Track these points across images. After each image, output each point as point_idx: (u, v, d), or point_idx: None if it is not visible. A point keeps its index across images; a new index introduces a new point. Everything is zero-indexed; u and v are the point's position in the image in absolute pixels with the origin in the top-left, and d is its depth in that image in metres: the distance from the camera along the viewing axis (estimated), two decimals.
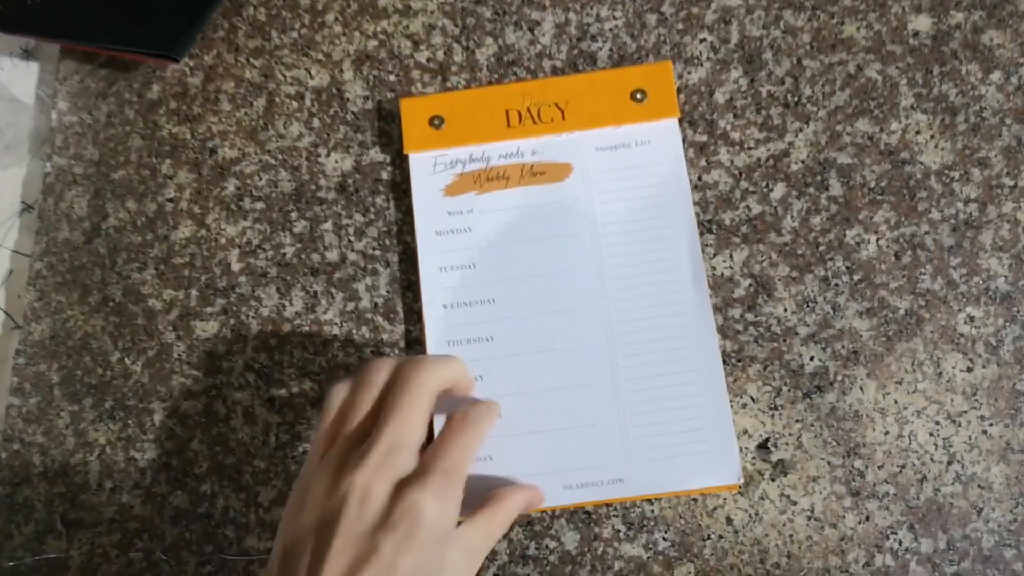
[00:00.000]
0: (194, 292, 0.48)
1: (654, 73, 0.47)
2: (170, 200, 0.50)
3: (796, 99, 0.48)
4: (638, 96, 0.47)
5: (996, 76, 0.48)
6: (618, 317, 0.45)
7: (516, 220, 0.46)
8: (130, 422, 0.47)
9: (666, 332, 0.44)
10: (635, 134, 0.47)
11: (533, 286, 0.45)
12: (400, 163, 0.49)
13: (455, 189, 0.47)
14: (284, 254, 0.49)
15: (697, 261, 0.45)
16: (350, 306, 0.48)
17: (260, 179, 0.50)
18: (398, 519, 0.32)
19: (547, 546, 0.44)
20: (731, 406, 0.44)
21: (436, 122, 0.47)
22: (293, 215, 0.49)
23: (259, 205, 0.49)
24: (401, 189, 0.49)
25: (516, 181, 0.47)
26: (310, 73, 0.51)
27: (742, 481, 0.42)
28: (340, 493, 0.33)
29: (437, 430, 0.41)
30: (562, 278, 0.45)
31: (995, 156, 0.47)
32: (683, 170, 0.47)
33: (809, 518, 0.43)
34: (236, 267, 0.49)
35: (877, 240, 0.46)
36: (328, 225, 0.49)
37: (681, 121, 0.48)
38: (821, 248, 0.46)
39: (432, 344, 0.45)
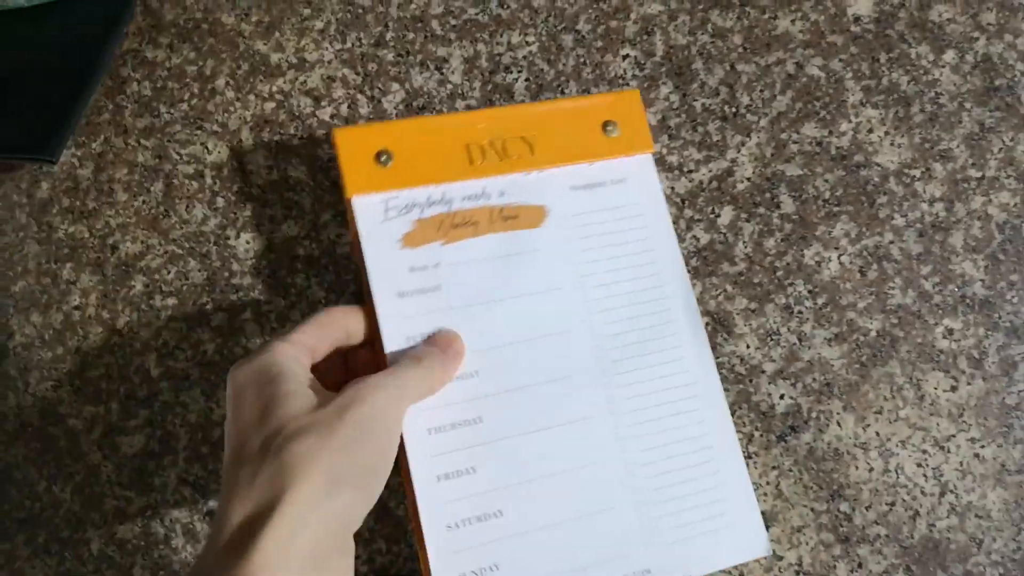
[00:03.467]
0: (114, 405, 0.45)
1: (622, 103, 0.42)
2: (76, 308, 0.46)
3: (734, 110, 0.44)
4: (609, 128, 0.42)
5: (950, 56, 0.43)
6: (617, 381, 0.39)
7: (492, 274, 0.39)
8: (67, 555, 0.44)
9: (671, 394, 0.39)
10: (609, 171, 0.42)
11: (520, 353, 0.39)
12: (316, 235, 0.45)
13: (416, 238, 0.39)
14: (204, 351, 0.45)
15: (692, 309, 0.40)
16: None
17: (168, 272, 0.46)
18: None
19: None
20: None
21: (383, 158, 0.39)
22: (209, 307, 0.45)
23: (171, 301, 0.45)
24: (321, 264, 0.45)
25: (486, 227, 0.40)
26: (207, 148, 0.47)
27: (770, 552, 0.39)
28: None
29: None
30: (551, 341, 0.39)
31: (957, 146, 0.43)
32: (664, 210, 0.41)
33: (798, 573, 0.40)
34: (155, 372, 0.45)
35: (839, 257, 0.42)
36: (247, 314, 0.45)
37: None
38: (779, 273, 0.43)
39: (410, 437, 0.36)
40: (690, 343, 0.40)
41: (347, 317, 0.37)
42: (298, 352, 0.34)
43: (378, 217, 0.39)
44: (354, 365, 0.39)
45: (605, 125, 0.42)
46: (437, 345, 0.37)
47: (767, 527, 0.41)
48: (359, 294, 0.44)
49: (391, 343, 0.37)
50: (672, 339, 0.40)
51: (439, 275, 0.39)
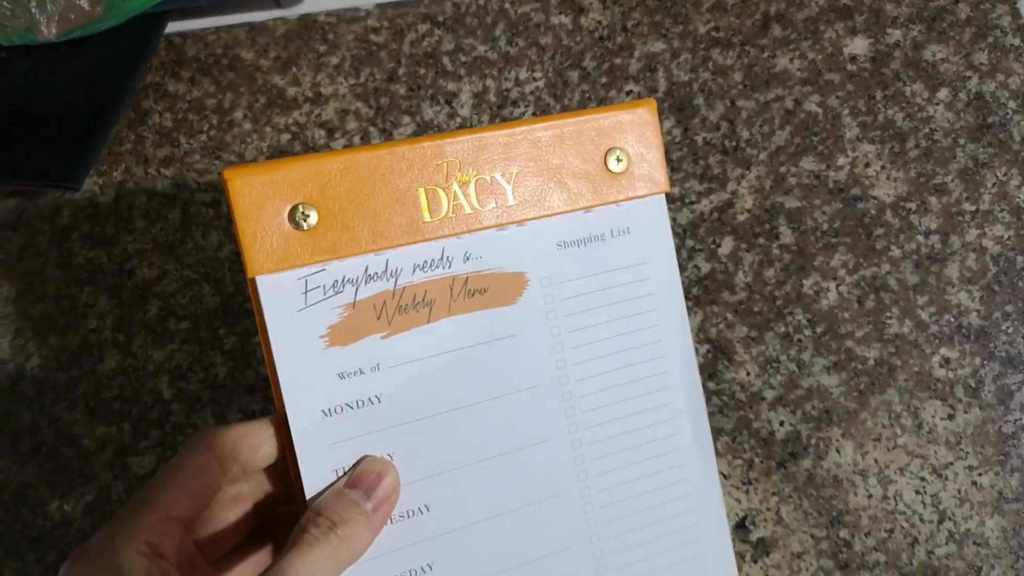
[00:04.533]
0: (127, 426, 0.46)
1: (633, 121, 0.32)
2: (93, 330, 0.47)
3: (734, 144, 0.45)
4: (613, 159, 0.32)
5: (943, 94, 0.45)
6: (601, 500, 0.32)
7: (449, 376, 0.30)
8: None
9: (665, 520, 0.32)
10: (610, 219, 0.32)
11: (482, 478, 0.30)
12: None
13: (347, 332, 0.29)
14: (216, 375, 0.46)
15: (698, 410, 0.33)
16: None
17: (183, 297, 0.47)
18: None
19: None
20: None
21: (301, 215, 0.28)
22: (221, 331, 0.46)
23: (185, 325, 0.47)
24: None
25: (444, 308, 0.30)
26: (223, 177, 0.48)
27: None
28: None
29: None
30: (522, 460, 0.31)
31: (952, 181, 0.44)
32: (675, 272, 0.33)
33: None
34: (168, 394, 0.46)
35: (837, 287, 0.43)
36: (259, 338, 0.46)
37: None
38: (779, 302, 0.44)
39: None
40: (694, 453, 0.33)
41: (242, 441, 0.29)
42: (155, 539, 0.26)
43: (293, 303, 0.28)
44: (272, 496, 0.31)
45: (608, 154, 0.32)
46: (360, 486, 0.28)
47: (767, 553, 0.41)
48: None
49: (312, 484, 0.28)
50: (673, 450, 0.33)
51: (379, 382, 0.29)
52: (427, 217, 0.30)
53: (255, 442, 0.29)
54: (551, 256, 0.32)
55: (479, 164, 0.31)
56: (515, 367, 0.31)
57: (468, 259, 0.31)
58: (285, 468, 0.30)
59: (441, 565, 0.29)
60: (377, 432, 0.29)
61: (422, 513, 0.29)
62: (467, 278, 0.31)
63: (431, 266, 0.30)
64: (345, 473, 0.28)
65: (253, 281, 0.28)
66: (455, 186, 0.30)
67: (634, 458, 0.32)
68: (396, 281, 0.30)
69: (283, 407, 0.28)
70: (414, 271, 0.30)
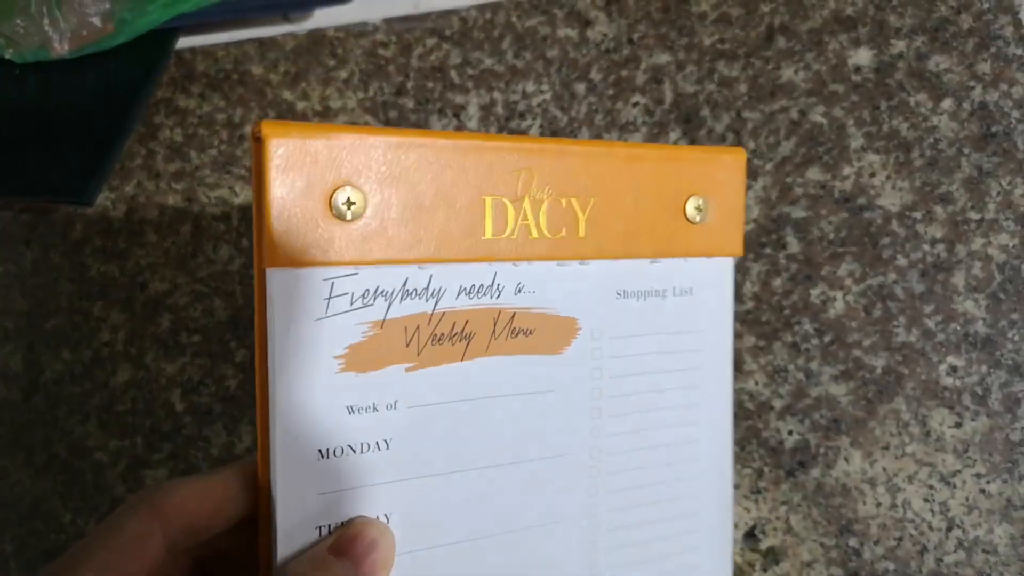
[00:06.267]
0: (139, 439, 0.46)
1: (721, 170, 0.29)
2: (105, 344, 0.48)
3: None
4: (696, 209, 0.28)
5: (947, 103, 0.45)
6: None
7: (474, 428, 0.26)
8: None
9: None
10: (676, 274, 0.29)
11: (488, 553, 0.26)
12: None
13: (367, 358, 0.24)
14: (228, 387, 0.46)
15: (726, 497, 0.30)
16: None
17: (195, 310, 0.47)
18: None
19: None
20: None
21: (347, 201, 0.23)
22: (232, 344, 0.47)
23: (196, 338, 0.47)
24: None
25: (482, 347, 0.25)
26: (234, 191, 0.49)
27: None
28: None
29: None
30: (534, 536, 0.27)
31: (957, 190, 0.44)
32: (729, 349, 0.30)
33: None
34: (179, 407, 0.46)
35: (844, 296, 0.44)
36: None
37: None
38: (786, 312, 0.44)
39: None
40: (709, 558, 0.30)
41: (202, 503, 0.24)
42: None
43: (312, 310, 0.23)
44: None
45: (689, 202, 0.28)
46: (348, 554, 0.23)
47: (777, 562, 0.41)
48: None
49: (288, 540, 0.23)
50: (690, 550, 0.30)
51: (393, 424, 0.24)
52: (487, 233, 0.25)
53: (219, 502, 0.24)
54: (608, 304, 0.28)
55: (559, 183, 0.26)
56: (550, 428, 0.27)
57: (520, 292, 0.26)
58: (250, 515, 0.24)
59: None
60: (378, 485, 0.24)
61: None
62: (514, 314, 0.26)
63: (478, 292, 0.25)
64: (331, 533, 0.23)
65: (263, 273, 0.23)
66: (526, 203, 0.25)
67: (649, 555, 0.29)
68: (436, 303, 0.25)
69: (267, 439, 0.23)
70: (459, 295, 0.25)
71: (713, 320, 0.30)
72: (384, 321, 0.24)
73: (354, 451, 0.24)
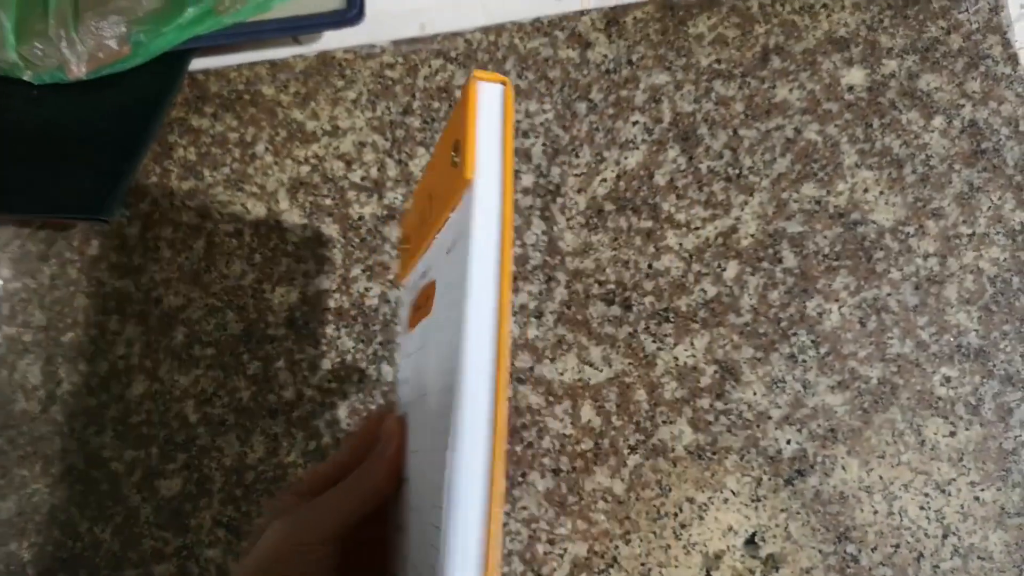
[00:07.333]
0: (154, 450, 0.47)
1: (462, 107, 0.25)
2: (121, 357, 0.49)
3: (737, 171, 0.47)
4: (455, 152, 0.26)
5: (938, 121, 0.46)
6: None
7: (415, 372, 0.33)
8: None
9: None
10: (460, 221, 0.28)
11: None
12: (346, 288, 0.48)
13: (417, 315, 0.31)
14: (240, 399, 0.48)
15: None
16: (312, 445, 0.47)
17: (208, 323, 0.49)
18: None
19: None
20: (712, 502, 0.42)
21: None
22: (245, 357, 0.48)
23: (209, 351, 0.48)
24: (350, 315, 0.48)
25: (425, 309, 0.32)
26: (246, 208, 0.50)
27: None
28: None
29: None
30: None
31: (948, 205, 0.45)
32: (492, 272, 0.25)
33: None
34: (193, 418, 0.48)
35: (839, 308, 0.45)
36: (281, 363, 0.48)
37: (624, 208, 0.47)
38: (783, 324, 0.45)
39: None
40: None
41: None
42: (317, 544, 0.29)
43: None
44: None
45: (455, 148, 0.25)
46: (374, 436, 0.32)
47: (776, 568, 0.42)
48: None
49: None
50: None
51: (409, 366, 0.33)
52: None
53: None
54: (443, 263, 0.28)
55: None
56: (432, 369, 0.28)
57: (425, 274, 0.32)
58: None
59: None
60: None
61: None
62: (425, 287, 0.32)
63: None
64: None
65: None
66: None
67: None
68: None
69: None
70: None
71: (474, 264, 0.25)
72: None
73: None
